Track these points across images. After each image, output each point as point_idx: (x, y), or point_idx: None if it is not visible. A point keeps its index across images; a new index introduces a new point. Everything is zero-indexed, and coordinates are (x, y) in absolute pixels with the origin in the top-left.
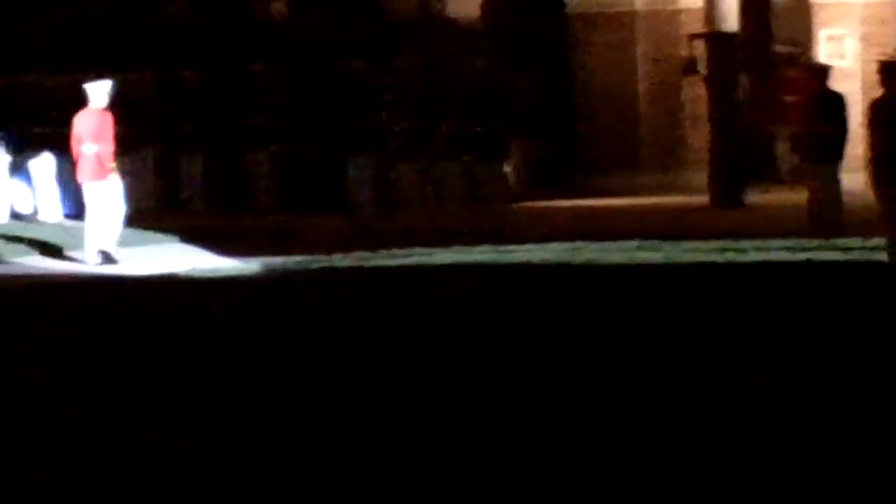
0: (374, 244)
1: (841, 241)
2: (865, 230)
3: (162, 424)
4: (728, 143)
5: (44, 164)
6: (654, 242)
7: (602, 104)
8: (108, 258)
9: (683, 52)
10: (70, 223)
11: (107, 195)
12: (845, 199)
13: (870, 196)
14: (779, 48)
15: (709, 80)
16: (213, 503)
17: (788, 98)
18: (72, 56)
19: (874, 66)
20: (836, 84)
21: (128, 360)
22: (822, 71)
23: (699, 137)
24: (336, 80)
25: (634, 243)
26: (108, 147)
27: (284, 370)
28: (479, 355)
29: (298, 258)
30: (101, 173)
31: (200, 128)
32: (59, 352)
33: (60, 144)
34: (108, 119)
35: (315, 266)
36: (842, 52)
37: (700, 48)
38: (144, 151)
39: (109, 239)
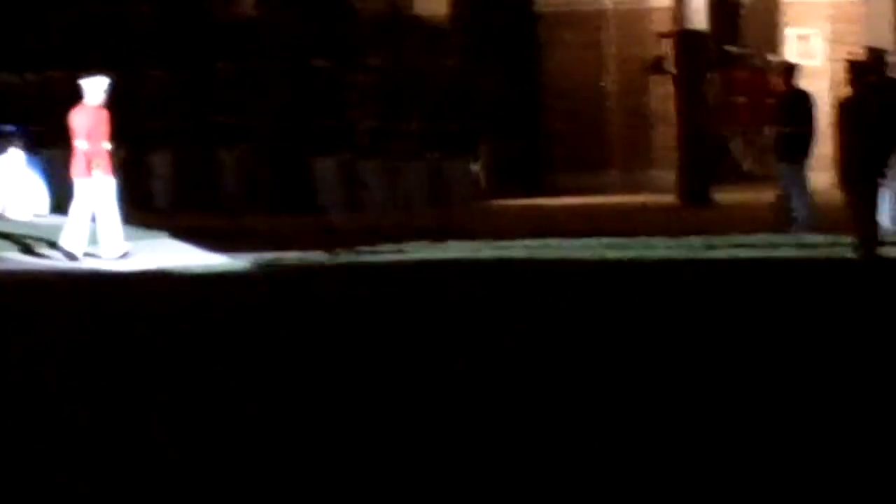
0: (344, 243)
1: (809, 239)
2: (833, 229)
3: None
4: (695, 141)
5: (10, 161)
6: (622, 240)
7: (570, 103)
8: (70, 256)
9: (652, 51)
10: (41, 220)
11: (97, 192)
12: (815, 197)
13: (838, 195)
14: (735, 49)
15: (677, 79)
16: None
17: (749, 98)
18: (37, 55)
19: (842, 65)
20: (804, 83)
21: (137, 355)
22: (790, 70)
23: (667, 136)
24: (303, 78)
25: (603, 241)
26: (100, 145)
27: (285, 364)
28: (456, 350)
29: (282, 254)
30: (90, 170)
31: (167, 127)
32: (69, 349)
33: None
34: (103, 116)
35: (303, 262)
36: (810, 51)
37: (668, 47)
38: (111, 150)
39: (82, 237)
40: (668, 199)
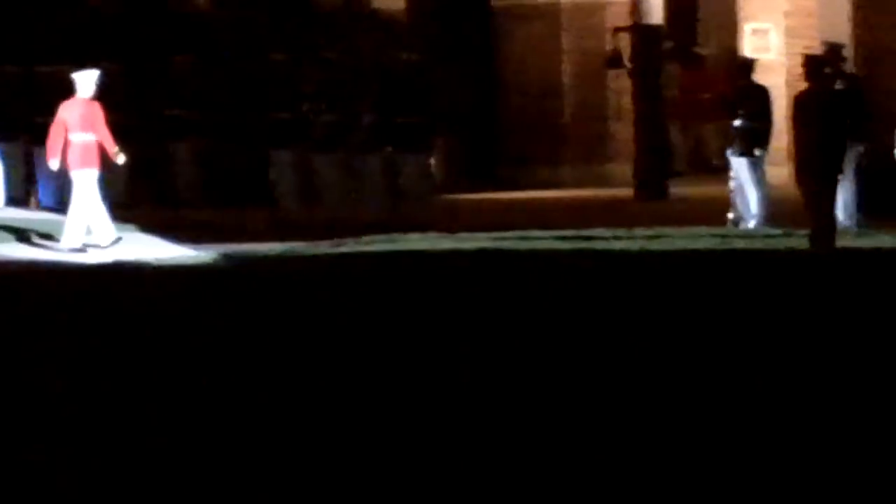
0: (300, 236)
1: (764, 232)
2: (790, 222)
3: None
4: (652, 136)
5: None
6: (577, 232)
7: (527, 97)
8: (77, 249)
9: (608, 46)
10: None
11: (95, 184)
12: (770, 191)
13: (794, 189)
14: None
15: (633, 74)
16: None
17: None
18: None
19: (799, 60)
20: (761, 77)
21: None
22: (747, 64)
23: (624, 130)
24: (259, 72)
25: (558, 233)
26: (97, 136)
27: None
28: (415, 336)
29: (251, 246)
30: (90, 162)
31: (122, 120)
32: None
33: None
34: (97, 108)
35: (272, 254)
36: (767, 45)
37: (625, 41)
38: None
39: (83, 229)
40: (626, 192)
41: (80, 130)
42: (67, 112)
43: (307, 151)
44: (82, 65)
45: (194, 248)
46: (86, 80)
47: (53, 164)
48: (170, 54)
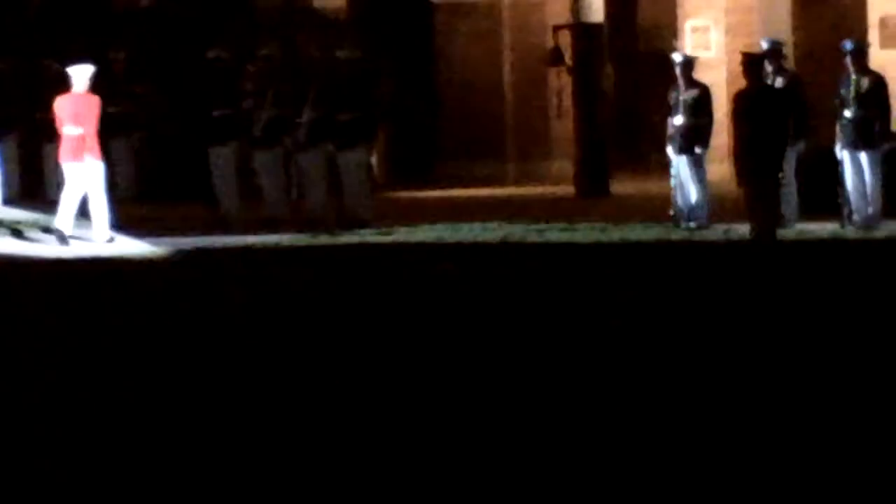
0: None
1: (704, 230)
2: (731, 220)
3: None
4: (593, 133)
5: None
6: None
7: (467, 94)
8: (62, 238)
9: (549, 43)
10: None
11: (87, 176)
12: (710, 189)
13: (734, 186)
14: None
15: (573, 71)
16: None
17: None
18: None
19: (739, 58)
20: (701, 75)
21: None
22: (688, 62)
23: (565, 128)
24: (198, 68)
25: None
26: (89, 130)
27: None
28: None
29: (199, 239)
30: (81, 155)
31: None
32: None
33: None
34: (92, 102)
35: (220, 246)
36: (707, 43)
37: (565, 39)
38: (6, 139)
39: (69, 219)
40: (567, 190)
41: (71, 123)
42: (61, 106)
43: (246, 148)
44: (20, 61)
45: (147, 242)
46: (80, 75)
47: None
48: (108, 50)
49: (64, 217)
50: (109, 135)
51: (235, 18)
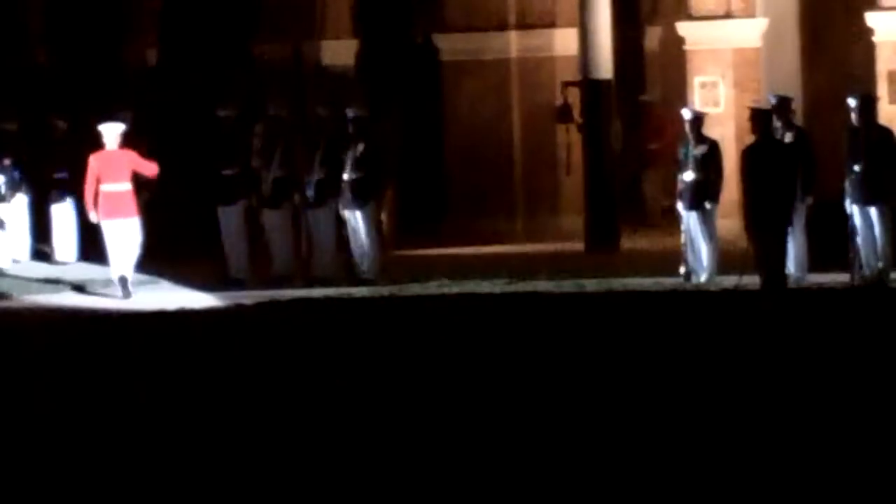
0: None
1: (713, 284)
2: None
3: None
4: (602, 188)
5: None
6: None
7: (476, 150)
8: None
9: (558, 99)
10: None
11: (130, 232)
12: (720, 244)
13: (744, 242)
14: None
15: (583, 127)
16: None
17: (660, 145)
18: None
19: (747, 113)
20: (710, 130)
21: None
22: (696, 118)
23: (574, 184)
24: (207, 126)
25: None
26: (125, 185)
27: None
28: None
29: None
30: (126, 210)
31: (72, 174)
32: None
33: None
34: (129, 156)
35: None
36: (716, 98)
37: (574, 95)
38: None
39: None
40: (576, 246)
41: (110, 181)
42: (98, 163)
43: (255, 206)
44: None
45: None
46: (111, 132)
47: (93, 216)
48: (117, 109)
49: (120, 270)
50: None
51: (243, 77)
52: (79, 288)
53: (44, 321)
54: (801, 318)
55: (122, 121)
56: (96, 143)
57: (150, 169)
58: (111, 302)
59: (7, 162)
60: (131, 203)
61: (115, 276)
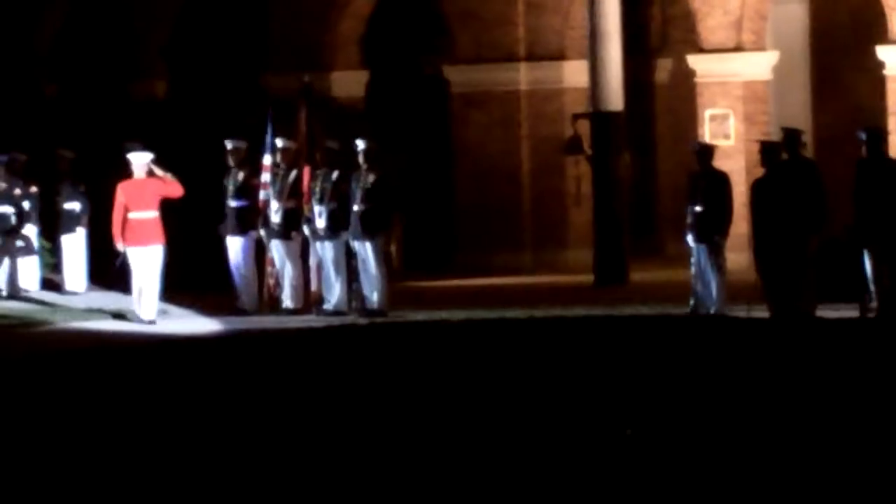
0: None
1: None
2: (750, 308)
3: None
4: (611, 221)
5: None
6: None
7: (485, 183)
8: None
9: (566, 131)
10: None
11: (155, 259)
12: (729, 277)
13: (754, 275)
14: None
15: (592, 159)
16: None
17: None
18: None
19: (756, 146)
20: (720, 163)
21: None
22: (707, 150)
23: (582, 216)
24: (216, 158)
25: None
26: (157, 213)
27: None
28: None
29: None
30: (154, 238)
31: (81, 205)
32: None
33: None
34: (155, 186)
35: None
36: (726, 131)
37: (584, 127)
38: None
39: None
40: (585, 278)
41: (137, 209)
42: (126, 192)
43: (264, 239)
44: (36, 152)
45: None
46: (139, 161)
47: (120, 245)
48: (124, 141)
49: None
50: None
51: (252, 109)
52: (119, 315)
53: (106, 345)
54: (807, 349)
55: (132, 152)
56: (104, 175)
57: (176, 190)
58: (144, 328)
59: (34, 189)
60: (158, 230)
61: (142, 313)
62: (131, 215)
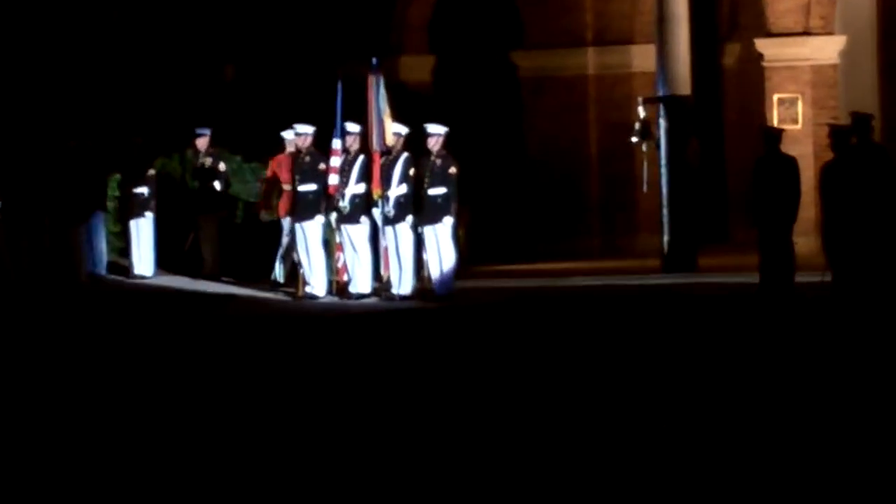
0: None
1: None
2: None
3: None
4: (681, 207)
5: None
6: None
7: (554, 168)
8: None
9: (635, 116)
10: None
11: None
12: (797, 262)
13: (822, 259)
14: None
15: (662, 144)
16: None
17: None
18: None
19: (824, 130)
20: (788, 148)
21: None
22: (775, 134)
23: (652, 201)
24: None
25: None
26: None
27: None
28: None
29: None
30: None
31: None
32: None
33: None
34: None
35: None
36: (794, 115)
37: (652, 112)
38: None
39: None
40: (654, 263)
41: (294, 183)
42: (280, 167)
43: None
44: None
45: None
46: (291, 136)
47: (265, 215)
48: (196, 125)
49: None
50: (198, 212)
51: (321, 94)
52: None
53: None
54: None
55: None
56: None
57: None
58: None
59: (152, 172)
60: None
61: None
62: (284, 187)
